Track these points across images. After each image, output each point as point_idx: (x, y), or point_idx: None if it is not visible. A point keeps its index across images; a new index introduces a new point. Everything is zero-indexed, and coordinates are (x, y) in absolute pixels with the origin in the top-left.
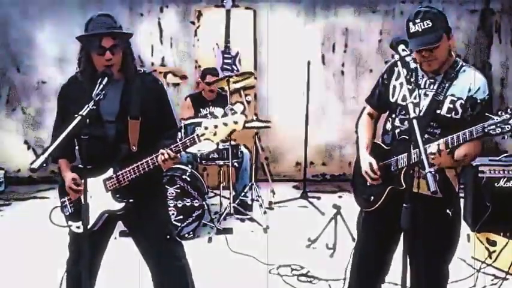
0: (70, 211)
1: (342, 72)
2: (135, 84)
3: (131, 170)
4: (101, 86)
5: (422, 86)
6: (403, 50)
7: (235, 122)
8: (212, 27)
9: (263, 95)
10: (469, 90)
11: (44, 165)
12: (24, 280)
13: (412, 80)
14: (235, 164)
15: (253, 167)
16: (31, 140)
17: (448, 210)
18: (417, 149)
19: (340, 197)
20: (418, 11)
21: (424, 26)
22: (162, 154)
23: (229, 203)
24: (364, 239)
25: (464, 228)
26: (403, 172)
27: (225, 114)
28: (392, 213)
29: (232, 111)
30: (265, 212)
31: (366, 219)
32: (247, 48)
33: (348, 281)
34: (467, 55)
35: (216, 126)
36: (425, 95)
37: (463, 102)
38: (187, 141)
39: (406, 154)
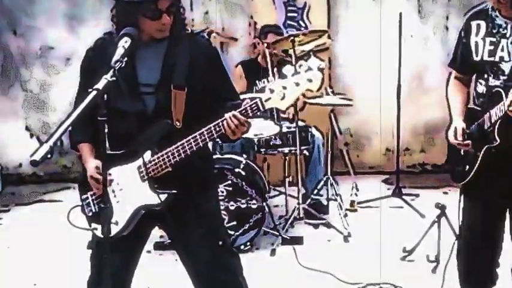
0: (94, 210)
1: (446, 28)
2: (181, 47)
3: (176, 150)
4: (123, 50)
5: (508, 35)
6: None
7: (310, 80)
8: None
9: (340, 61)
10: None
11: (49, 156)
12: None
13: (494, 31)
14: (305, 152)
15: (329, 155)
16: (34, 124)
17: None
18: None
19: (445, 193)
20: None
21: None
22: (231, 118)
23: (298, 204)
24: (469, 220)
25: None
26: (497, 126)
27: (296, 73)
28: (493, 184)
29: (306, 68)
30: (345, 215)
31: (466, 198)
32: None
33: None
34: None
35: (284, 88)
36: None
37: None
38: (248, 107)
39: (498, 106)
